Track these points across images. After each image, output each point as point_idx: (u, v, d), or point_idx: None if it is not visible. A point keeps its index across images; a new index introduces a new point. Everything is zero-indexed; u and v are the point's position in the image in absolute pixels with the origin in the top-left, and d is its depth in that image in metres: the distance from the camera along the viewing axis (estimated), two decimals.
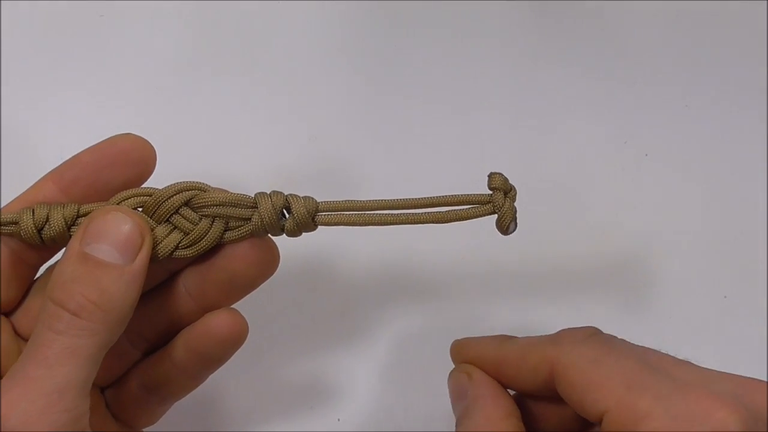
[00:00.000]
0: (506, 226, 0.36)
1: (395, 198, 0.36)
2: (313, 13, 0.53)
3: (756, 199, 0.50)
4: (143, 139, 0.37)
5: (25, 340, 0.37)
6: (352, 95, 0.51)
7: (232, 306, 0.38)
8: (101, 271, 0.33)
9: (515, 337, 0.38)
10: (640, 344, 0.35)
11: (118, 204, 0.36)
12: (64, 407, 0.31)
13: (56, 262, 0.36)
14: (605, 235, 0.49)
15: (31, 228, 0.35)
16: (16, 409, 0.31)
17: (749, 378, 0.34)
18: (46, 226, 0.36)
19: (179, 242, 0.36)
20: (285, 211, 0.36)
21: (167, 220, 0.36)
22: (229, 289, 0.38)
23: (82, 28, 0.52)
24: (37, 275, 0.38)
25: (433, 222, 0.36)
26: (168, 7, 0.52)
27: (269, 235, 0.37)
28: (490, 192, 0.36)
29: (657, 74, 0.52)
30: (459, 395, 0.38)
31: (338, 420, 0.45)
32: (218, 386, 0.45)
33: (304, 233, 0.37)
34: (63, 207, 0.36)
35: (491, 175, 0.36)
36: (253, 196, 0.36)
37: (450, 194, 0.36)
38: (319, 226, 0.36)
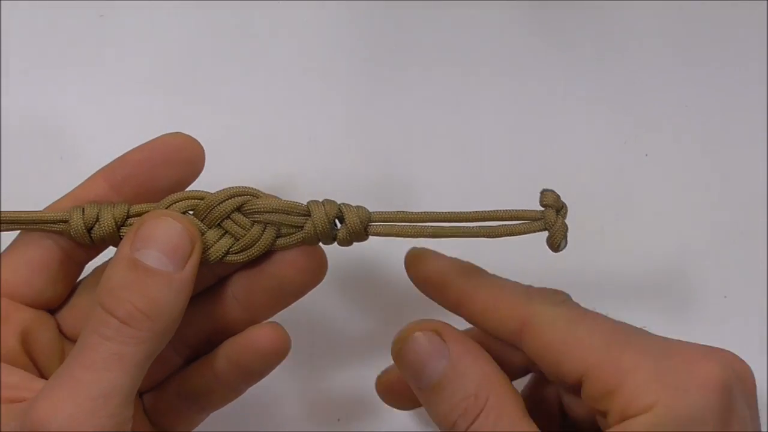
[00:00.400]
0: (557, 243, 0.36)
1: (446, 210, 0.36)
2: (313, 14, 0.53)
3: (756, 199, 0.50)
4: (193, 138, 0.37)
5: (69, 338, 0.38)
6: (351, 94, 0.51)
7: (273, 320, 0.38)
8: (150, 279, 0.33)
9: (481, 269, 0.38)
10: None
11: (169, 206, 0.36)
12: (110, 412, 0.31)
13: (104, 262, 0.36)
14: (604, 235, 0.49)
15: (80, 227, 0.35)
16: (62, 411, 0.31)
17: (720, 348, 0.34)
18: (96, 226, 0.35)
19: (230, 247, 0.36)
20: (337, 221, 0.36)
21: (218, 224, 0.36)
22: (278, 295, 0.37)
23: (82, 28, 0.52)
24: (84, 274, 0.38)
25: (484, 236, 0.36)
26: (168, 7, 0.52)
27: (320, 243, 0.36)
28: (542, 209, 0.36)
29: (657, 74, 0.52)
30: (428, 359, 0.35)
31: (338, 420, 0.45)
32: None
33: (355, 243, 0.36)
34: (113, 207, 0.36)
35: (544, 192, 0.36)
36: (305, 203, 0.36)
37: (502, 209, 0.36)
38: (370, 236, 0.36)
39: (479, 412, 0.33)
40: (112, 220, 0.35)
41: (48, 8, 0.52)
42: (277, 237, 0.36)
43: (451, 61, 0.52)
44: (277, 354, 0.37)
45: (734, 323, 0.47)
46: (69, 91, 0.51)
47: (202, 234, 0.36)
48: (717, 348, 0.34)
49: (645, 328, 0.36)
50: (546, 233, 0.36)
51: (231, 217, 0.36)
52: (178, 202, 0.36)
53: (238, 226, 0.36)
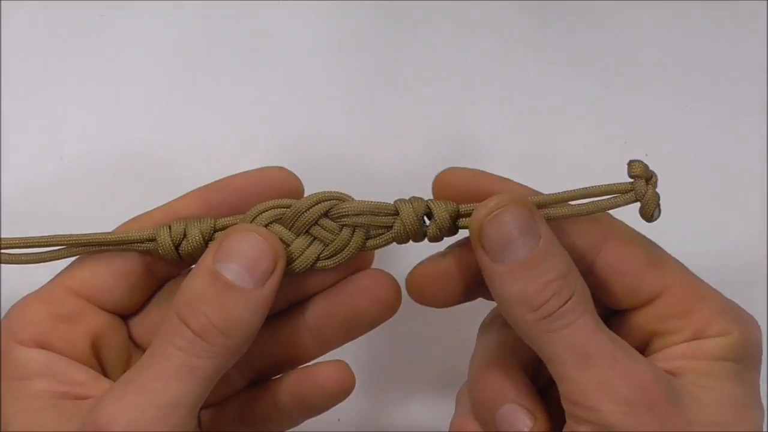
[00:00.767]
0: (650, 213, 0.35)
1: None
2: (313, 13, 0.53)
3: (756, 199, 0.50)
4: (294, 174, 0.37)
5: (139, 346, 0.38)
6: (352, 95, 0.51)
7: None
8: (229, 294, 0.32)
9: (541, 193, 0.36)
10: None
11: (255, 217, 0.35)
12: (173, 423, 0.31)
13: (181, 275, 0.35)
14: None
15: (168, 244, 0.35)
16: (126, 415, 0.31)
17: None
18: (184, 242, 0.35)
19: (320, 253, 0.36)
20: (425, 218, 0.36)
21: (306, 231, 0.36)
22: (351, 326, 0.37)
23: (82, 28, 0.52)
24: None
25: (575, 215, 0.35)
26: (168, 7, 0.52)
27: (411, 241, 0.36)
28: (631, 180, 0.35)
29: (657, 74, 0.52)
30: (519, 235, 0.33)
31: (338, 420, 0.45)
32: None
33: (445, 239, 0.36)
34: (200, 222, 0.36)
35: (631, 163, 0.35)
36: (392, 203, 0.36)
37: (592, 185, 0.35)
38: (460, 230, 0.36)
39: (572, 294, 0.32)
40: (200, 235, 0.35)
41: (48, 8, 0.52)
42: (367, 239, 0.36)
43: (451, 61, 0.52)
44: (341, 393, 0.37)
45: None
46: (69, 90, 0.51)
47: (289, 244, 0.36)
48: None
49: None
50: (638, 204, 0.35)
51: (319, 222, 0.36)
52: (265, 212, 0.36)
53: (327, 231, 0.36)
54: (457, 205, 0.36)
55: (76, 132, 0.49)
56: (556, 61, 0.52)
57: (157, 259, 0.36)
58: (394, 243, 0.36)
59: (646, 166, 0.35)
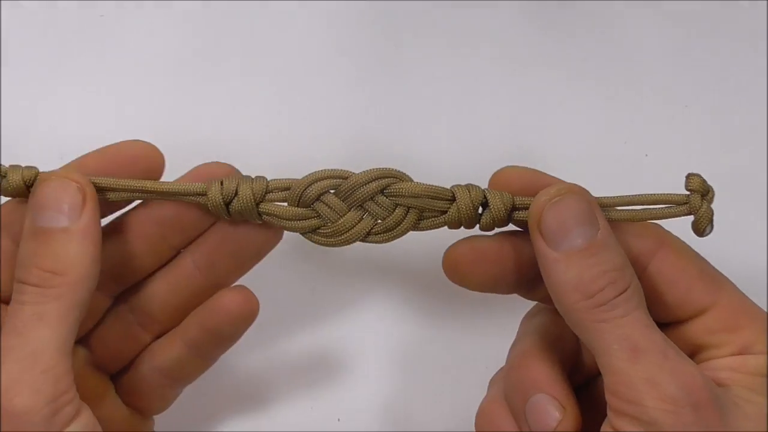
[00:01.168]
0: (702, 228, 0.35)
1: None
2: (312, 13, 0.53)
3: (756, 199, 0.50)
4: (152, 146, 0.37)
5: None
6: (352, 94, 0.51)
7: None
8: (50, 239, 0.33)
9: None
10: None
11: (311, 184, 0.36)
12: (41, 368, 0.32)
13: None
14: None
15: (218, 200, 0.35)
16: None
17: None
18: (235, 200, 0.36)
19: (371, 228, 0.36)
20: (480, 206, 0.36)
21: (360, 205, 0.36)
22: (238, 258, 0.38)
23: (82, 28, 0.52)
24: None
25: (627, 220, 0.35)
26: (168, 7, 0.52)
27: (462, 227, 0.36)
28: (687, 193, 0.35)
29: (657, 74, 0.52)
30: (578, 223, 0.33)
31: (338, 420, 0.45)
32: (219, 386, 0.45)
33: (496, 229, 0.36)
34: (252, 180, 0.36)
35: (689, 177, 0.35)
36: (450, 188, 0.36)
37: (646, 193, 0.35)
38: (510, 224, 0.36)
39: (628, 286, 0.32)
40: (251, 194, 0.36)
41: (48, 8, 0.52)
42: (419, 220, 0.36)
43: (451, 61, 0.52)
44: (247, 316, 0.38)
45: None
46: (69, 90, 0.51)
47: (342, 216, 0.36)
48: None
49: None
50: (691, 218, 0.35)
51: (374, 198, 0.36)
52: (320, 180, 0.36)
53: (381, 207, 0.36)
54: (513, 196, 0.36)
55: (76, 132, 0.49)
56: (556, 62, 0.52)
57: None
58: (445, 227, 0.36)
59: (704, 181, 0.35)
